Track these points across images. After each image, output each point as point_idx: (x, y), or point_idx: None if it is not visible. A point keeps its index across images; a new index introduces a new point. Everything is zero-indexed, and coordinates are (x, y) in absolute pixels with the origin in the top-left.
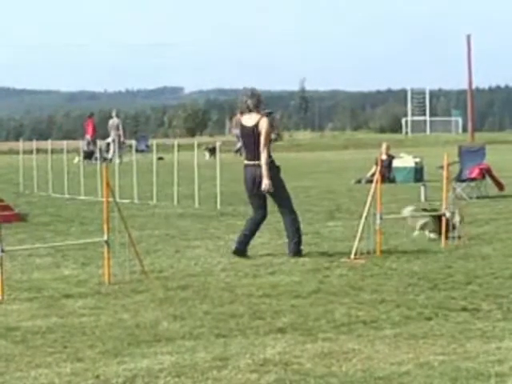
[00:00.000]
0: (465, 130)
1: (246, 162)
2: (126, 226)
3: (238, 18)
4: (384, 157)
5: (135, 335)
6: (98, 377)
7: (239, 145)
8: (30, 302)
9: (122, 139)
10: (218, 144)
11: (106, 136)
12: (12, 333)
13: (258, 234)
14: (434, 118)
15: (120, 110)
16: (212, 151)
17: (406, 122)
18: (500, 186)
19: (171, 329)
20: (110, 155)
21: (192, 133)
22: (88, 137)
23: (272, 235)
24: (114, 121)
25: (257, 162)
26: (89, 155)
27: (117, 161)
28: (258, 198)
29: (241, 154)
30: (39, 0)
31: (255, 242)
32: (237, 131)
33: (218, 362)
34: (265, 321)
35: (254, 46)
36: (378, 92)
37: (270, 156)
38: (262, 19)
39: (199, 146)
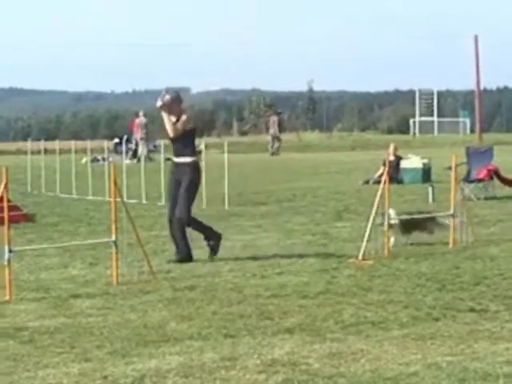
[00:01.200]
0: (472, 130)
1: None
2: (134, 226)
3: (245, 17)
4: (392, 158)
5: (143, 335)
6: (106, 377)
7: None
8: (37, 302)
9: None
10: (201, 147)
11: (115, 136)
12: (20, 333)
13: (265, 234)
14: (441, 119)
15: (127, 110)
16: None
17: (414, 122)
18: (510, 184)
19: (179, 329)
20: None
21: (200, 133)
22: (136, 136)
23: (280, 235)
24: (141, 120)
25: None
26: (135, 154)
27: (142, 159)
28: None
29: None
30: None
31: (263, 242)
32: (272, 131)
33: (226, 362)
34: (273, 321)
35: (261, 46)
36: (386, 93)
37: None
38: (269, 19)
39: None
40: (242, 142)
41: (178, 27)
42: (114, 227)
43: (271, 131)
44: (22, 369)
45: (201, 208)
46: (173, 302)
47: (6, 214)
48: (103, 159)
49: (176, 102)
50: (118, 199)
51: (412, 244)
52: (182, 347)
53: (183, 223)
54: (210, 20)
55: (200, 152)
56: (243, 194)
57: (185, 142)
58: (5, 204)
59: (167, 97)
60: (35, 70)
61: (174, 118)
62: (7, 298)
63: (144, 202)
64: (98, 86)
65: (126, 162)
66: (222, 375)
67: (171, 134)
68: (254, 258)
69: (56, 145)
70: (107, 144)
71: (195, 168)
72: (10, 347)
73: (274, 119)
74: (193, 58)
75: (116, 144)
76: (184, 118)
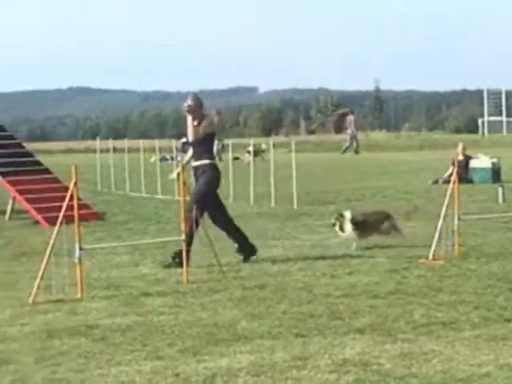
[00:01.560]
0: None
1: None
2: (204, 225)
3: (312, 17)
4: (461, 157)
5: (214, 334)
6: (177, 375)
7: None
8: (108, 300)
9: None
10: (263, 146)
11: (182, 135)
12: (92, 330)
13: (334, 234)
14: (510, 119)
15: None
16: (255, 153)
17: (483, 122)
18: None
19: (250, 328)
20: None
21: (267, 132)
22: None
23: None
24: None
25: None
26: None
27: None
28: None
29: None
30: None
31: (332, 242)
32: (349, 131)
33: (297, 362)
34: (343, 321)
35: (328, 45)
36: (454, 92)
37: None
38: (336, 19)
39: (276, 145)
40: (310, 141)
41: (245, 26)
42: (183, 226)
43: (349, 131)
44: (95, 366)
45: (269, 207)
46: (243, 300)
47: (76, 213)
48: (171, 158)
49: (198, 106)
50: (188, 198)
51: (483, 244)
52: (252, 346)
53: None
54: (279, 20)
55: (263, 151)
56: (311, 193)
57: (204, 145)
58: (75, 202)
59: (190, 102)
60: (104, 70)
61: (195, 122)
62: (79, 295)
63: None
64: (165, 85)
65: None
66: (293, 374)
67: (191, 138)
68: (324, 258)
69: (125, 143)
70: (175, 143)
71: (212, 168)
72: (82, 345)
73: (350, 118)
74: (261, 57)
75: (184, 143)
76: (205, 122)
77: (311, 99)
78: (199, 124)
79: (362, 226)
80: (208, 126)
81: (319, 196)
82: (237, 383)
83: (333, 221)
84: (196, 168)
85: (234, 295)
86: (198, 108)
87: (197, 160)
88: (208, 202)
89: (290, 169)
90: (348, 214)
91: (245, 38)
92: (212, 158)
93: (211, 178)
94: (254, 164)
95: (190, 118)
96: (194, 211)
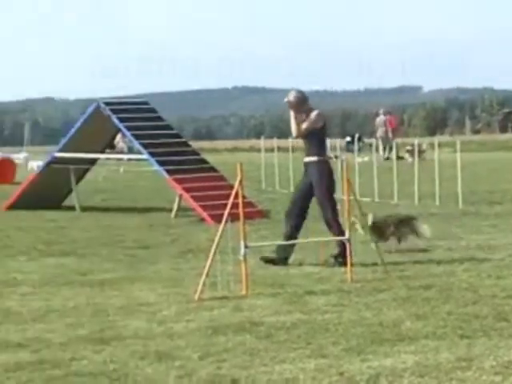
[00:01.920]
0: None
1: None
2: (367, 224)
3: (476, 17)
4: None
5: (378, 333)
6: (341, 374)
7: None
8: (273, 298)
9: (389, 136)
10: (424, 146)
11: (345, 134)
12: (256, 328)
13: (500, 234)
14: None
15: (357, 109)
16: (418, 153)
17: None
18: None
19: (414, 328)
20: (382, 153)
21: (431, 132)
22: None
23: None
24: (381, 118)
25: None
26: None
27: (384, 156)
28: None
29: None
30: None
31: (499, 242)
32: None
33: (461, 363)
34: (509, 323)
35: (492, 44)
36: None
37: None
38: (500, 19)
39: (441, 145)
40: (474, 140)
41: (402, 26)
42: (347, 225)
43: None
44: (259, 363)
45: (434, 206)
46: (407, 300)
47: (241, 210)
48: (335, 157)
49: (300, 101)
50: (351, 197)
51: None
52: (417, 346)
53: (329, 226)
54: (445, 20)
55: (423, 151)
56: (477, 192)
57: (312, 140)
58: (240, 200)
59: (291, 98)
60: (269, 69)
61: (304, 116)
62: (243, 292)
63: (377, 200)
64: (328, 84)
65: (358, 160)
66: (457, 376)
67: (294, 134)
68: (489, 259)
69: (289, 143)
70: (339, 142)
71: (320, 167)
72: (246, 341)
73: None
74: (425, 56)
75: (348, 142)
76: (313, 116)
77: (476, 98)
78: (307, 117)
79: (382, 229)
80: (316, 121)
81: (485, 196)
82: (401, 383)
83: (352, 219)
84: (305, 164)
85: (398, 295)
86: (299, 103)
87: (306, 156)
88: (332, 197)
89: (455, 168)
90: (370, 218)
91: (406, 38)
92: (320, 153)
93: (320, 181)
94: (418, 163)
95: (292, 114)
96: (330, 214)
